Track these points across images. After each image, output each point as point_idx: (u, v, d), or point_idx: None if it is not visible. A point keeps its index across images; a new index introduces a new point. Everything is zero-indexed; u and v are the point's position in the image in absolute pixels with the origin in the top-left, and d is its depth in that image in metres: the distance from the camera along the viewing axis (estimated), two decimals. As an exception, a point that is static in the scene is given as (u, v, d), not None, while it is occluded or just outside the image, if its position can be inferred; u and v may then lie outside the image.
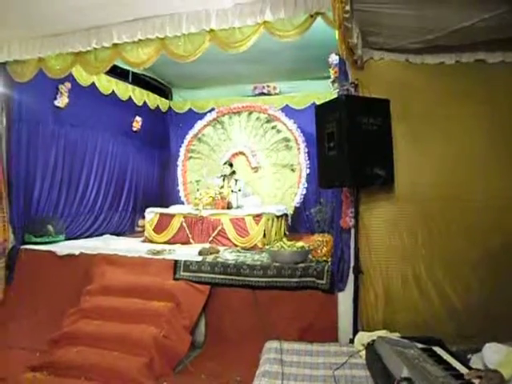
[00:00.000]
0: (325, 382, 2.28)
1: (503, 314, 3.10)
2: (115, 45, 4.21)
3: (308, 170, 6.70)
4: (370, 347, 2.49)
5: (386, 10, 2.66)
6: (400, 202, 3.36)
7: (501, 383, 1.90)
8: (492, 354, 2.13)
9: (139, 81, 7.20)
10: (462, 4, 2.57)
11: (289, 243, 4.26)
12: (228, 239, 5.39)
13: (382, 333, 2.81)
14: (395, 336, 2.66)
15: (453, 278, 3.26)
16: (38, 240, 5.04)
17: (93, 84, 5.95)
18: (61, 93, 5.48)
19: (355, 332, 3.21)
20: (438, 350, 2.34)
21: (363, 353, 2.58)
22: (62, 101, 5.51)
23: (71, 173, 5.87)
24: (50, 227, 5.23)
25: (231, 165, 6.70)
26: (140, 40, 4.10)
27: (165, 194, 7.97)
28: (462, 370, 2.03)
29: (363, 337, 2.80)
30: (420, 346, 2.36)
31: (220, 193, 6.21)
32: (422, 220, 3.34)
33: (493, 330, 2.89)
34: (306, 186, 6.70)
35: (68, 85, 5.52)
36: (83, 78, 5.68)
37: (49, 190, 5.46)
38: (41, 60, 4.64)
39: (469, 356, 2.33)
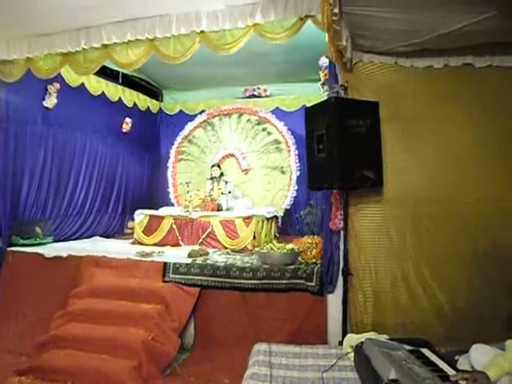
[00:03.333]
0: (313, 384, 2.27)
1: (491, 315, 3.12)
2: (105, 45, 4.19)
3: (298, 173, 6.71)
4: (358, 349, 2.49)
5: (374, 14, 2.68)
6: (389, 204, 3.38)
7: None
8: (479, 356, 2.14)
9: (129, 82, 7.16)
10: (450, 8, 2.59)
11: (278, 245, 4.26)
12: (218, 241, 5.38)
13: (371, 335, 2.81)
14: (384, 338, 2.66)
15: (441, 280, 3.28)
16: (26, 242, 4.98)
17: (82, 85, 5.90)
18: (49, 93, 5.42)
19: (344, 334, 3.21)
20: (425, 351, 2.35)
21: (352, 355, 2.58)
22: (50, 101, 5.46)
23: (60, 174, 5.81)
24: (37, 229, 5.18)
25: (219, 167, 6.71)
26: (130, 41, 4.08)
27: (155, 196, 7.93)
28: (449, 371, 2.03)
29: (352, 339, 2.80)
30: (408, 347, 2.37)
31: (210, 195, 6.20)
32: (411, 222, 3.36)
33: (480, 331, 2.90)
34: (296, 188, 6.71)
35: (57, 85, 5.46)
36: (72, 78, 5.64)
37: (37, 192, 5.40)
38: (29, 60, 4.59)
39: (456, 357, 2.34)
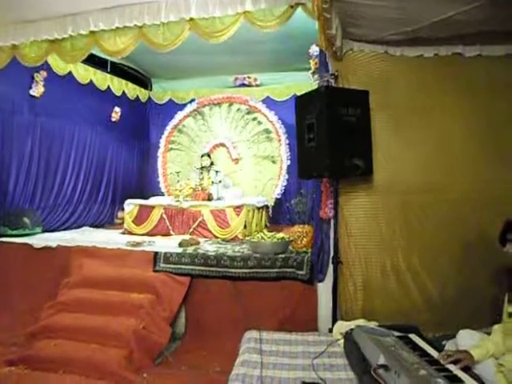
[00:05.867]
0: (303, 370, 2.30)
1: (478, 302, 3.19)
2: (92, 32, 4.12)
3: (289, 162, 6.71)
4: (348, 336, 2.53)
5: (365, 1, 2.68)
6: (379, 193, 3.40)
7: (471, 364, 1.96)
8: (465, 340, 2.19)
9: (118, 70, 7.08)
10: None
11: (269, 234, 4.26)
12: (208, 231, 5.39)
13: (360, 322, 2.85)
14: (373, 324, 2.70)
15: (430, 268, 3.33)
16: (14, 233, 4.93)
17: (70, 73, 5.83)
18: (36, 82, 5.34)
19: (334, 321, 3.24)
20: (413, 337, 2.39)
21: (341, 341, 2.61)
22: (37, 90, 5.37)
23: (48, 164, 5.74)
24: (26, 219, 5.12)
25: (209, 156, 6.69)
26: (118, 28, 4.02)
27: (145, 186, 7.90)
28: (437, 356, 2.07)
29: (342, 326, 2.84)
30: (397, 333, 2.40)
31: (200, 184, 6.19)
32: (401, 211, 3.39)
33: (467, 318, 2.97)
34: (286, 177, 6.73)
35: (44, 73, 5.38)
36: (60, 66, 5.56)
37: (24, 182, 5.34)
38: (15, 47, 4.50)
39: (444, 342, 2.39)
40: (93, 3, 3.90)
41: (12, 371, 3.09)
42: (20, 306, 4.22)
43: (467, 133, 3.39)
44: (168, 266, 4.05)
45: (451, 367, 1.93)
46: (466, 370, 1.94)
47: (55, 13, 4.09)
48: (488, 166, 3.34)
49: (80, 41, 4.31)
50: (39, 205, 5.57)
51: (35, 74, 5.30)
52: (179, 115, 7.43)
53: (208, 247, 4.51)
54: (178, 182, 6.17)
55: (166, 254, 4.11)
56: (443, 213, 3.35)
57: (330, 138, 3.08)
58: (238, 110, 7.18)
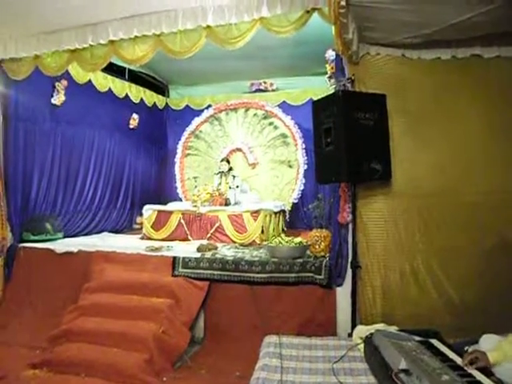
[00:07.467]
0: (324, 374, 2.28)
1: (500, 307, 3.12)
2: (111, 42, 4.20)
3: (305, 166, 6.70)
4: (368, 340, 2.51)
5: (382, 5, 2.68)
6: (397, 197, 3.37)
7: (486, 365, 1.93)
8: (488, 345, 2.14)
9: (136, 78, 7.20)
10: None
11: (287, 239, 4.26)
12: (226, 236, 5.41)
13: (380, 326, 2.82)
14: (393, 329, 2.68)
15: (450, 272, 3.28)
16: (36, 238, 5.04)
17: (89, 81, 5.95)
18: (57, 90, 5.47)
19: (354, 326, 3.23)
20: (435, 342, 2.36)
21: (361, 346, 2.59)
22: (58, 98, 5.50)
23: (69, 170, 5.87)
24: (47, 225, 5.23)
25: (228, 161, 6.72)
26: (136, 37, 4.09)
27: (163, 191, 7.98)
28: (459, 361, 2.05)
29: (361, 330, 2.81)
30: (417, 338, 2.38)
31: (218, 189, 6.22)
32: (420, 214, 3.36)
33: (490, 322, 2.90)
34: (303, 181, 6.72)
35: (64, 82, 5.50)
36: (80, 75, 5.68)
37: (46, 188, 5.46)
38: (37, 57, 4.61)
39: (466, 348, 2.35)
40: (112, 13, 3.99)
41: (35, 374, 3.17)
42: (42, 310, 4.30)
43: (485, 135, 3.33)
44: (186, 270, 4.08)
45: (474, 372, 1.90)
46: (489, 375, 1.91)
47: (76, 23, 4.19)
48: (507, 169, 3.28)
49: (100, 50, 4.39)
50: (60, 211, 5.70)
51: (56, 83, 5.43)
52: (196, 121, 7.50)
53: (226, 252, 4.53)
54: (196, 187, 6.22)
55: (184, 258, 4.15)
56: (462, 216, 3.30)
57: (348, 142, 3.08)
58: (255, 115, 7.22)
